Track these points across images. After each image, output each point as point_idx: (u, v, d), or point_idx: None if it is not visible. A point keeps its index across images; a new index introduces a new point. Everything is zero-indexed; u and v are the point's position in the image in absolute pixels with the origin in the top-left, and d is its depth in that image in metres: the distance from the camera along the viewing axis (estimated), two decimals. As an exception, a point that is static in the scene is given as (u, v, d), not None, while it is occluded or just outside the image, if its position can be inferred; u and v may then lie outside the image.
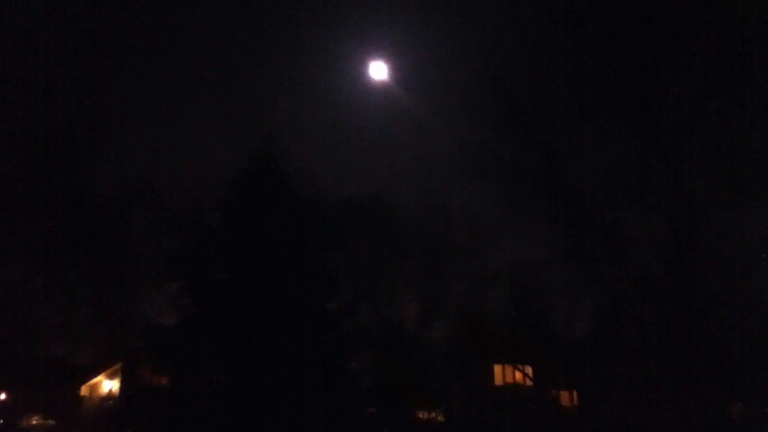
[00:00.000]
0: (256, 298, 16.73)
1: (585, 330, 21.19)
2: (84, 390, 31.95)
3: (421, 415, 28.47)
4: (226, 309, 16.66)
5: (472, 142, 20.18)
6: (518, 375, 27.50)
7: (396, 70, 21.48)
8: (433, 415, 28.74)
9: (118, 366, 31.52)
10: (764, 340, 16.51)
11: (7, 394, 29.56)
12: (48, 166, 18.37)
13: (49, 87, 18.46)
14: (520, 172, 20.11)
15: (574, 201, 19.68)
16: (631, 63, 18.77)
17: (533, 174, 20.07)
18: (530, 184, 20.01)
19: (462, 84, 20.38)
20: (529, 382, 27.31)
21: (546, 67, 19.67)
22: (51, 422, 29.11)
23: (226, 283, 17.44)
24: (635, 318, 19.21)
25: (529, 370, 27.39)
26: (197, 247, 17.78)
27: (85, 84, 18.57)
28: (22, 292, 20.13)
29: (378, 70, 21.64)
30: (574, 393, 26.27)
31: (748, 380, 16.31)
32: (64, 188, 18.76)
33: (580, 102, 19.28)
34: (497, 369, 28.30)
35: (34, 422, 29.02)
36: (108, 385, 32.47)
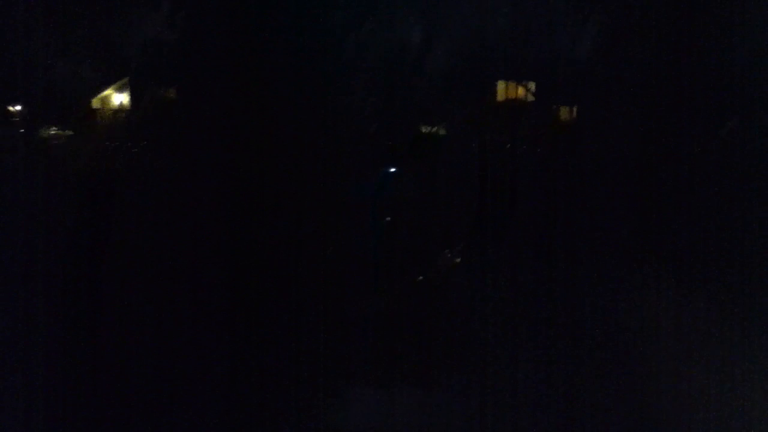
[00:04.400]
0: None
1: (589, 46, 20.58)
2: (95, 102, 32.40)
3: (423, 130, 28.91)
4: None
5: None
6: (520, 90, 27.55)
7: None
8: (435, 129, 29.20)
9: (126, 80, 31.62)
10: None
11: (23, 105, 29.98)
12: None
13: None
14: None
15: None
16: None
17: None
18: None
19: None
20: (531, 98, 27.43)
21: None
22: (69, 132, 29.86)
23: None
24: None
25: (531, 85, 27.36)
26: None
27: None
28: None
29: None
30: (574, 109, 26.41)
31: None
32: None
33: None
34: (500, 85, 28.24)
35: (52, 132, 29.81)
36: (118, 98, 32.87)
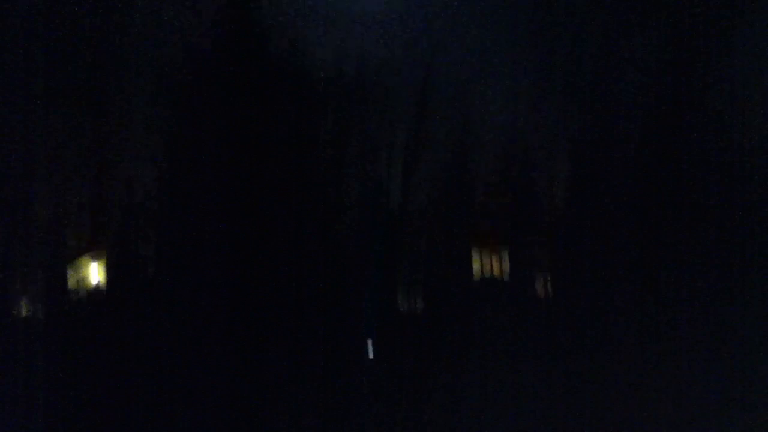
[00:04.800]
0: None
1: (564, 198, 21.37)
2: (71, 281, 32.17)
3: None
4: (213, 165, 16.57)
5: None
6: (495, 263, 27.96)
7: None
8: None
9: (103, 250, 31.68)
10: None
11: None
12: None
13: None
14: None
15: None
16: None
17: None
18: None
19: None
20: (506, 272, 27.73)
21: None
22: (40, 315, 29.36)
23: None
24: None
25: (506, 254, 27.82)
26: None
27: None
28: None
29: None
30: (548, 282, 26.81)
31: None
32: None
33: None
34: (475, 260, 28.70)
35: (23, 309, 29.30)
36: (95, 274, 32.76)
